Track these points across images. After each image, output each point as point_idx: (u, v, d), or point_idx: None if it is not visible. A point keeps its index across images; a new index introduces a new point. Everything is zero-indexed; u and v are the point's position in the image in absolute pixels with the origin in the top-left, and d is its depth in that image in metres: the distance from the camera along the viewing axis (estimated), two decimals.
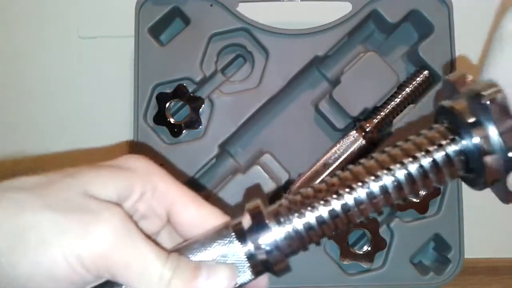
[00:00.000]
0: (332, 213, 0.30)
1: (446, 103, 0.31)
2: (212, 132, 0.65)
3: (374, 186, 0.30)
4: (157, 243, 0.29)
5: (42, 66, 0.73)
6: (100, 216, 0.28)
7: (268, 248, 0.30)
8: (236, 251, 0.30)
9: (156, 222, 0.33)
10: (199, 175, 0.66)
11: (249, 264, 0.30)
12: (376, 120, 0.65)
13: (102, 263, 0.27)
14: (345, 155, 0.65)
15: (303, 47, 0.65)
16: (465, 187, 0.65)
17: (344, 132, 0.66)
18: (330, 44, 0.65)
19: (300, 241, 0.31)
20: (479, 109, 0.28)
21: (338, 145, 0.65)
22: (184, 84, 0.65)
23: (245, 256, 0.30)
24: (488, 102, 0.28)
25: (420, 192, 0.32)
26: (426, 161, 0.30)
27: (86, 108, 0.73)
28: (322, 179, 0.28)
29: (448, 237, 0.65)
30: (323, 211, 0.30)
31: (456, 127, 0.30)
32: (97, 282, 0.29)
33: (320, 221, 0.31)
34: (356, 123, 0.67)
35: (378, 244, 0.65)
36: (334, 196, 0.30)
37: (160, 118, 0.65)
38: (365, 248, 0.66)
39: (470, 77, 0.30)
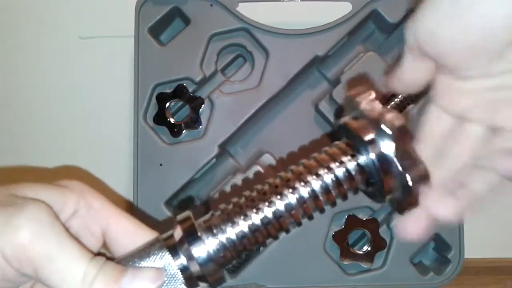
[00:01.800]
0: (264, 220, 0.31)
1: (345, 120, 0.33)
2: (212, 132, 0.65)
3: (292, 198, 0.32)
4: (83, 245, 0.29)
5: (42, 66, 0.73)
6: (24, 208, 0.27)
7: (200, 259, 0.30)
8: (168, 264, 0.30)
9: (91, 242, 0.32)
10: (199, 175, 0.66)
11: (182, 277, 0.30)
12: None
13: (23, 255, 0.26)
14: None
15: (303, 47, 0.65)
16: None
17: None
18: (330, 44, 0.65)
19: (233, 251, 0.31)
20: (376, 127, 0.30)
21: None
22: (184, 84, 0.65)
23: (178, 269, 0.30)
24: (385, 128, 0.30)
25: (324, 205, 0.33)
26: (328, 178, 0.32)
27: (86, 108, 0.73)
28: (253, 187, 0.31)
29: (448, 237, 0.65)
30: (255, 218, 0.31)
31: (355, 143, 0.31)
32: (25, 281, 0.28)
33: (253, 229, 0.31)
34: None
35: (378, 244, 0.65)
36: (266, 203, 0.31)
37: (160, 118, 0.65)
38: (365, 248, 0.66)
39: (371, 95, 0.32)
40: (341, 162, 0.31)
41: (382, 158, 0.30)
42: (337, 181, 0.31)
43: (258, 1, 0.67)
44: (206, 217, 0.32)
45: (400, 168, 0.30)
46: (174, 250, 0.30)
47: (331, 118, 0.66)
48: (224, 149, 0.66)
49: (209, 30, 0.65)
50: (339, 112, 0.30)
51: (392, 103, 0.65)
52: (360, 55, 0.66)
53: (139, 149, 0.64)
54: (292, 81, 0.66)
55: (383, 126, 0.30)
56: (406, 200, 0.31)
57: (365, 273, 0.65)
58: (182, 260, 0.30)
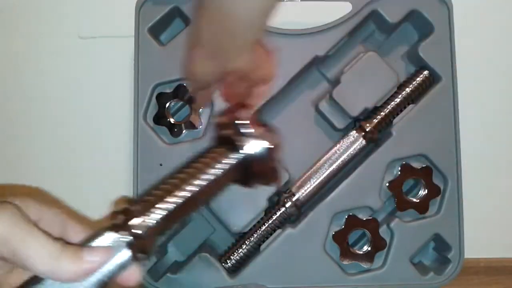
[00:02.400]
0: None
1: (222, 133, 0.47)
2: (212, 132, 0.64)
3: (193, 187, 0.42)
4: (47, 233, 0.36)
5: (42, 66, 0.73)
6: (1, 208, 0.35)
7: (137, 233, 0.38)
8: (113, 240, 0.37)
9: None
10: None
11: (126, 248, 0.37)
12: (376, 120, 0.65)
13: (3, 242, 0.34)
14: (345, 155, 0.65)
15: (303, 47, 0.65)
16: (465, 187, 0.65)
17: (344, 132, 0.66)
18: (330, 44, 0.65)
19: (162, 223, 0.39)
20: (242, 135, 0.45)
21: (338, 145, 0.65)
22: (184, 84, 0.65)
23: (123, 242, 0.37)
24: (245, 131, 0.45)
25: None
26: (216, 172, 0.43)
27: (86, 108, 0.73)
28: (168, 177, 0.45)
29: (448, 237, 0.65)
30: (172, 197, 0.41)
31: (232, 148, 0.44)
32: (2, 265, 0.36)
33: (172, 205, 0.40)
34: (356, 123, 0.67)
35: (378, 244, 0.65)
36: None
37: (160, 118, 0.65)
38: (365, 248, 0.66)
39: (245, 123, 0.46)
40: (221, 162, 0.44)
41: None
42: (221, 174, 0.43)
43: None
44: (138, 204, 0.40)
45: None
46: (116, 228, 0.38)
47: (331, 118, 0.66)
48: None
49: None
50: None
51: (379, 116, 0.65)
52: (360, 55, 0.66)
53: (139, 149, 0.64)
54: (292, 81, 0.66)
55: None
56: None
57: (365, 273, 0.65)
58: (124, 234, 0.37)
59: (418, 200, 0.66)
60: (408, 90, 0.66)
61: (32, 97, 0.73)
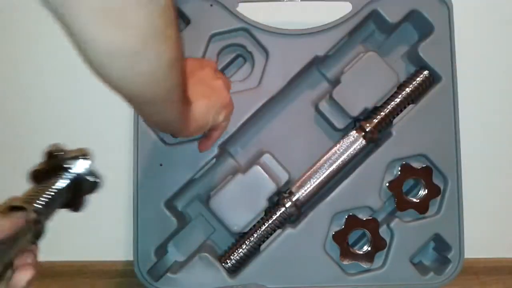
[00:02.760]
0: None
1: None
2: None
3: None
4: None
5: (42, 66, 0.73)
6: None
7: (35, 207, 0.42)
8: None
9: None
10: (199, 175, 0.66)
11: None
12: (376, 120, 0.65)
13: None
14: (345, 155, 0.65)
15: (303, 47, 0.65)
16: (465, 187, 0.65)
17: (344, 132, 0.66)
18: (330, 44, 0.65)
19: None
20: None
21: (338, 145, 0.65)
22: None
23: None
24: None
25: None
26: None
27: (86, 108, 0.73)
28: None
29: (448, 237, 0.65)
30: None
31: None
32: None
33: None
34: (356, 123, 0.67)
35: (378, 244, 0.65)
36: None
37: None
38: (365, 248, 0.66)
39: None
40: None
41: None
42: None
43: (258, 1, 0.67)
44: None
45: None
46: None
47: (331, 118, 0.66)
48: (224, 149, 0.66)
49: (209, 30, 0.65)
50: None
51: (379, 116, 0.65)
52: (360, 55, 0.66)
53: (139, 149, 0.64)
54: (292, 81, 0.66)
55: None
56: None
57: (365, 273, 0.65)
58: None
59: (418, 200, 0.66)
60: (408, 90, 0.66)
61: (32, 97, 0.73)
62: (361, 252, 0.66)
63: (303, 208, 0.66)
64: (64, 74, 0.73)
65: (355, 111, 0.65)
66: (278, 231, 0.65)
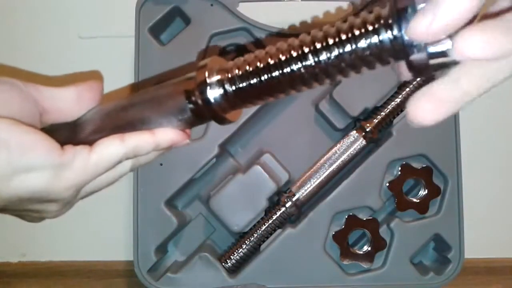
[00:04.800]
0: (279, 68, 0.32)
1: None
2: (212, 132, 0.65)
3: (312, 55, 0.31)
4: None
5: (42, 66, 0.73)
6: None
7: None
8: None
9: None
10: (199, 175, 0.66)
11: (190, 107, 0.34)
12: (376, 120, 0.65)
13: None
14: (345, 155, 0.65)
15: None
16: (465, 187, 0.65)
17: (344, 132, 0.66)
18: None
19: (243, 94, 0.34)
20: None
21: (338, 145, 0.65)
22: None
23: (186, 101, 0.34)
24: None
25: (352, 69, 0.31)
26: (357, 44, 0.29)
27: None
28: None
29: (448, 237, 0.65)
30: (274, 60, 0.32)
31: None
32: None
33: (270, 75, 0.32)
34: (356, 123, 0.67)
35: (378, 244, 0.65)
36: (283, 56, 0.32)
37: None
38: (365, 248, 0.66)
39: None
40: (371, 30, 0.29)
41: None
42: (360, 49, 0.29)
43: (258, 1, 0.67)
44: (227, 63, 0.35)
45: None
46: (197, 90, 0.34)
47: (331, 118, 0.66)
48: (224, 149, 0.66)
49: (209, 30, 0.65)
50: None
51: (379, 116, 0.65)
52: None
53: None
54: None
55: None
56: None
57: (365, 273, 0.65)
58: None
59: (418, 200, 0.66)
60: (408, 90, 0.66)
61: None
62: (361, 252, 0.66)
63: (303, 208, 0.66)
64: (64, 74, 0.73)
65: (355, 111, 0.65)
66: (278, 231, 0.65)
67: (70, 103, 0.39)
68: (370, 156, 0.65)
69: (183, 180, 0.64)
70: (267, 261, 0.64)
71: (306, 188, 0.65)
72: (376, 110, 0.66)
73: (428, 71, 0.29)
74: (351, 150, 0.65)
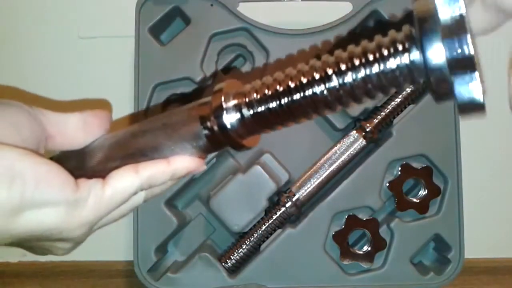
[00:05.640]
0: (295, 94, 0.32)
1: (418, 3, 0.28)
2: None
3: (326, 80, 0.31)
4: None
5: (42, 66, 0.73)
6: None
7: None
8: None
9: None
10: (199, 175, 0.66)
11: (205, 134, 0.33)
12: (376, 120, 0.65)
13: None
14: (345, 155, 0.65)
15: (304, 47, 0.65)
16: (465, 187, 0.65)
17: (344, 132, 0.66)
18: (330, 44, 0.65)
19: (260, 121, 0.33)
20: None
21: (338, 145, 0.65)
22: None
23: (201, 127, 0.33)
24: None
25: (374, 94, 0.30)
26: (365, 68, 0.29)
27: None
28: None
29: (448, 237, 0.65)
30: (286, 91, 0.32)
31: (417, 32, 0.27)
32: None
33: (286, 101, 0.32)
34: (356, 123, 0.67)
35: (378, 244, 0.65)
36: (299, 81, 0.32)
37: None
38: (365, 248, 0.66)
39: None
40: (387, 54, 0.28)
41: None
42: (377, 74, 0.29)
43: (258, 1, 0.67)
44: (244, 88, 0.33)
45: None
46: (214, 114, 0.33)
47: (331, 118, 0.66)
48: (224, 149, 0.66)
49: (209, 30, 0.65)
50: None
51: (379, 116, 0.65)
52: None
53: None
54: None
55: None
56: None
57: (365, 273, 0.65)
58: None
59: (418, 200, 0.66)
60: (408, 90, 0.66)
61: (32, 96, 0.73)
62: (361, 252, 0.66)
63: (303, 208, 0.66)
64: (64, 74, 0.73)
65: (355, 111, 0.65)
66: (278, 231, 0.65)
67: (76, 130, 0.38)
68: (370, 156, 0.65)
69: (183, 180, 0.64)
70: (267, 261, 0.64)
71: (306, 188, 0.65)
72: (376, 110, 0.66)
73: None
74: (351, 150, 0.65)
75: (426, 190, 0.66)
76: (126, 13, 0.65)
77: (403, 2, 0.65)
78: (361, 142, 0.65)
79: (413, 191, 0.67)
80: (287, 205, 0.64)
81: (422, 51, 0.26)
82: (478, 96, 0.26)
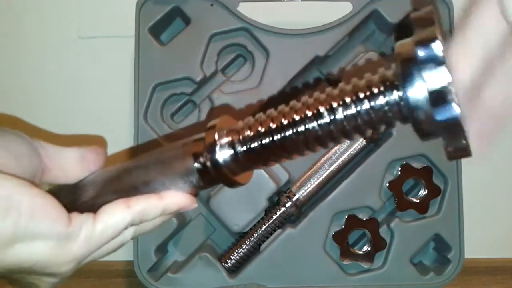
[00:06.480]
0: (287, 132, 0.32)
1: (399, 44, 0.29)
2: None
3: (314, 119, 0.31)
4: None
5: (42, 66, 0.73)
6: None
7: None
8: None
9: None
10: None
11: (197, 174, 0.34)
12: None
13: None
14: (345, 155, 0.65)
15: (304, 47, 0.65)
16: (465, 187, 0.65)
17: None
18: (330, 44, 0.65)
19: (257, 157, 0.33)
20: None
21: (338, 145, 0.65)
22: None
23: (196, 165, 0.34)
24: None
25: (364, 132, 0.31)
26: (362, 106, 0.29)
27: (86, 108, 0.73)
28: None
29: (448, 237, 0.65)
30: (278, 130, 0.32)
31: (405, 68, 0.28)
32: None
33: (276, 139, 0.32)
34: None
35: (378, 244, 0.65)
36: (287, 120, 0.32)
37: None
38: (365, 248, 0.66)
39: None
40: (376, 93, 0.29)
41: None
42: (365, 113, 0.29)
43: (258, 1, 0.67)
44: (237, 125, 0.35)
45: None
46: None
47: None
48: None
49: (209, 30, 0.65)
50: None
51: None
52: (360, 55, 0.66)
53: (139, 149, 0.64)
54: (292, 81, 0.66)
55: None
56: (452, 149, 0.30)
57: (365, 273, 0.65)
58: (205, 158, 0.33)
59: (418, 200, 0.66)
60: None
61: (32, 97, 0.73)
62: (361, 252, 0.66)
63: (303, 208, 0.66)
64: (64, 74, 0.73)
65: None
66: (278, 231, 0.65)
67: (73, 163, 0.37)
68: (370, 156, 0.65)
69: None
70: (267, 261, 0.64)
71: (306, 188, 0.65)
72: None
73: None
74: (351, 150, 0.65)
75: (426, 190, 0.66)
76: (126, 13, 0.65)
77: (403, 2, 0.65)
78: (361, 142, 0.65)
79: (413, 191, 0.67)
80: (287, 205, 0.64)
81: (404, 92, 0.27)
82: (463, 139, 0.28)
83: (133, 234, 0.36)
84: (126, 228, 0.34)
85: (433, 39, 0.27)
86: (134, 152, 0.64)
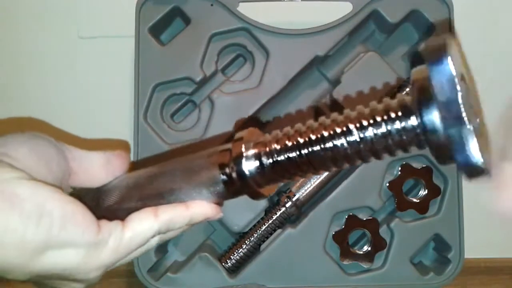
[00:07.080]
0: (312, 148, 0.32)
1: (415, 71, 0.29)
2: (212, 132, 0.65)
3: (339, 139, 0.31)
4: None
5: (42, 66, 0.73)
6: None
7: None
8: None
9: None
10: None
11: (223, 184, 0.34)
12: None
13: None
14: None
15: (304, 47, 0.65)
16: (465, 187, 0.65)
17: None
18: (330, 44, 0.65)
19: (282, 171, 0.34)
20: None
21: None
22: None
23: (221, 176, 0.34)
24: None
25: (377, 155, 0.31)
26: (377, 131, 0.30)
27: (86, 108, 0.73)
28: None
29: (448, 237, 0.65)
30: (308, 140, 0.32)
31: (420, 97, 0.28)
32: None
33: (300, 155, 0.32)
34: None
35: (378, 244, 0.65)
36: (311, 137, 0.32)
37: None
38: (365, 248, 0.66)
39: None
40: (392, 118, 0.29)
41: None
42: (382, 136, 0.30)
43: (258, 1, 0.67)
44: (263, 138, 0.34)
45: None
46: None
47: None
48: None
49: (209, 30, 0.65)
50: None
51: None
52: (360, 55, 0.66)
53: (139, 149, 0.64)
54: (292, 81, 0.66)
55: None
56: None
57: (365, 273, 0.65)
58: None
59: (418, 200, 0.66)
60: (408, 90, 0.66)
61: (32, 97, 0.73)
62: (361, 252, 0.66)
63: (303, 208, 0.65)
64: (64, 74, 0.73)
65: None
66: (278, 231, 0.65)
67: (98, 167, 0.38)
68: None
69: None
70: (267, 261, 0.64)
71: (306, 188, 0.65)
72: None
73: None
74: None
75: (426, 190, 0.66)
76: (126, 13, 0.65)
77: (403, 2, 0.65)
78: None
79: (413, 191, 0.67)
80: (287, 205, 0.64)
81: (421, 118, 0.28)
82: (479, 161, 0.28)
83: (158, 242, 0.36)
84: (153, 236, 0.34)
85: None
86: (134, 152, 0.64)
